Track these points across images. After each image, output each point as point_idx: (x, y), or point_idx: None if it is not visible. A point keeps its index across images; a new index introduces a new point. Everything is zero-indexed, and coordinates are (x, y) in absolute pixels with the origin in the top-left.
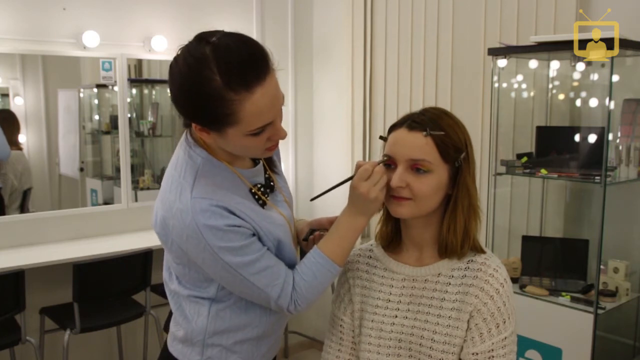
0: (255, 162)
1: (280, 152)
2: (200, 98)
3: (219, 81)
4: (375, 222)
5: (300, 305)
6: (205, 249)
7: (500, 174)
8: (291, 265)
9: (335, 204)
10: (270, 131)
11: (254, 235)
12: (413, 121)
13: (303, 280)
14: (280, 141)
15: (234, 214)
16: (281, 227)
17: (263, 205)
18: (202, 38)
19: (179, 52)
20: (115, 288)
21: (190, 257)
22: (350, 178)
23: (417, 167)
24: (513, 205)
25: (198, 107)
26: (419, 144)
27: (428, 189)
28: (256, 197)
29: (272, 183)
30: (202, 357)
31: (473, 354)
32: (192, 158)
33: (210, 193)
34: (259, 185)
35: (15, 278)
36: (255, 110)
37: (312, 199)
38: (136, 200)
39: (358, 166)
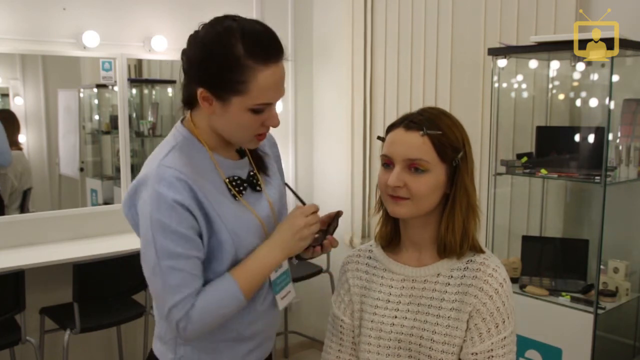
0: (241, 156)
1: (281, 158)
2: (220, 59)
3: (242, 49)
4: (375, 222)
5: (193, 324)
6: (149, 217)
7: (500, 174)
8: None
9: (332, 204)
10: (267, 114)
11: (200, 236)
12: (410, 121)
13: (205, 301)
14: (280, 141)
15: (195, 196)
16: (246, 223)
17: (235, 197)
18: (225, 17)
19: (199, 28)
20: (115, 288)
21: (138, 228)
22: (302, 202)
23: (414, 167)
24: (513, 205)
25: (216, 67)
26: (416, 144)
27: (425, 188)
28: (228, 187)
29: (255, 181)
30: (175, 356)
31: (472, 353)
32: (174, 136)
33: (179, 165)
34: (235, 178)
35: (15, 278)
36: (265, 85)
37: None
38: None
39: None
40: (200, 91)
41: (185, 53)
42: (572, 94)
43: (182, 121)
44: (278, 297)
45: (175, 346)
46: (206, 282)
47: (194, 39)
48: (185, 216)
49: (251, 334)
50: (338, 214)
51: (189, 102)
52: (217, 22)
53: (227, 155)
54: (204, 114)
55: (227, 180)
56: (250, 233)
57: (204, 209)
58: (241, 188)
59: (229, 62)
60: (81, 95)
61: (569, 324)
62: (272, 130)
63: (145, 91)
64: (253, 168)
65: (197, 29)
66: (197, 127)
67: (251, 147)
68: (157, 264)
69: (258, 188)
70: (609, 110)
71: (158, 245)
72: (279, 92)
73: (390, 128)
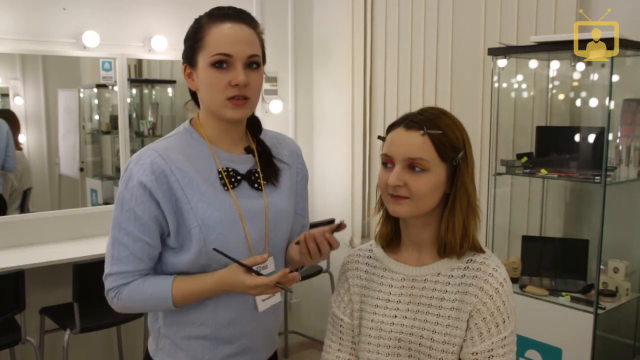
0: (247, 152)
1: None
2: (189, 31)
3: (205, 18)
4: (375, 222)
5: (119, 302)
6: (119, 191)
7: (500, 174)
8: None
9: (332, 204)
10: (231, 73)
11: (159, 224)
12: (410, 121)
13: (138, 287)
14: None
15: (166, 178)
16: (223, 215)
17: (225, 187)
18: None
19: None
20: None
21: None
22: (251, 270)
23: (414, 166)
24: (513, 205)
25: (186, 39)
26: (416, 143)
27: (425, 187)
28: (220, 177)
29: (254, 178)
30: (157, 347)
31: (473, 353)
32: (177, 128)
33: (164, 149)
34: (230, 169)
35: (15, 278)
36: (218, 36)
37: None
38: None
39: (255, 262)
40: (184, 68)
41: None
42: (572, 94)
43: (190, 119)
44: (258, 299)
45: (157, 337)
46: (175, 272)
47: None
48: (145, 199)
49: (230, 336)
50: (333, 225)
51: (194, 97)
52: None
53: (228, 149)
54: (203, 105)
55: (220, 169)
56: (223, 225)
57: (174, 195)
58: (233, 179)
59: (194, 29)
60: (81, 95)
61: (569, 324)
62: (273, 129)
63: (145, 91)
64: (257, 167)
65: None
66: (201, 120)
67: (231, 116)
68: (111, 233)
69: (256, 186)
70: (609, 110)
71: (115, 217)
72: (237, 45)
73: (391, 128)
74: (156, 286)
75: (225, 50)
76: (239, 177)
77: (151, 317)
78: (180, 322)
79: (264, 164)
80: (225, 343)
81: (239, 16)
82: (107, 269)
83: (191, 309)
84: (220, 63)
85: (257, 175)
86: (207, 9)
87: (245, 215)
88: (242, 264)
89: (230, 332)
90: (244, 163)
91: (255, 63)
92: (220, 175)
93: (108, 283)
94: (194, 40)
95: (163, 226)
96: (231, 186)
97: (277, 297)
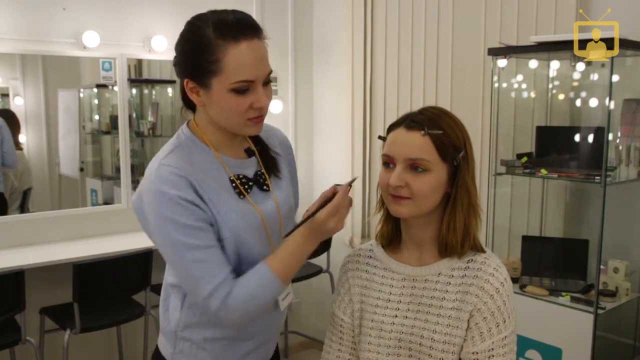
0: (249, 155)
1: (295, 163)
2: (194, 45)
3: (211, 31)
4: (375, 222)
5: (234, 312)
6: (157, 216)
7: (500, 174)
8: (253, 264)
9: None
10: (252, 95)
11: (211, 225)
12: (411, 120)
13: (242, 289)
14: None
15: (196, 191)
16: (249, 222)
17: (240, 195)
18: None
19: None
20: (115, 288)
21: (149, 226)
22: (316, 211)
23: (415, 166)
24: (513, 205)
25: (189, 54)
26: (417, 143)
27: (427, 187)
28: (234, 185)
29: (262, 180)
30: (175, 350)
31: (473, 353)
32: (178, 137)
33: (178, 163)
34: (241, 176)
35: (15, 278)
36: (238, 60)
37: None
38: None
39: (325, 197)
40: (185, 82)
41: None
42: (572, 94)
43: (187, 124)
44: (279, 298)
45: (175, 340)
46: None
47: (178, 37)
48: (192, 209)
49: (249, 334)
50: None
51: (188, 103)
52: (195, 15)
53: (232, 155)
54: (203, 112)
55: (232, 177)
56: (252, 231)
57: (205, 205)
58: (246, 186)
59: (201, 45)
60: (81, 95)
61: (569, 324)
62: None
63: (145, 91)
64: (261, 168)
65: None
66: (200, 127)
67: (251, 133)
68: (178, 260)
69: (265, 187)
70: (609, 110)
71: (171, 242)
72: (257, 68)
73: (392, 127)
74: (256, 278)
75: (249, 77)
76: (250, 183)
77: (163, 322)
78: (201, 325)
79: (264, 160)
80: (245, 340)
81: (250, 27)
82: (204, 291)
83: None
84: (243, 88)
85: (263, 177)
86: (207, 10)
87: (267, 219)
88: (308, 215)
89: (250, 330)
90: (250, 167)
91: (269, 79)
92: (234, 184)
93: (212, 305)
94: (205, 62)
95: (214, 227)
96: (246, 193)
97: (292, 294)
